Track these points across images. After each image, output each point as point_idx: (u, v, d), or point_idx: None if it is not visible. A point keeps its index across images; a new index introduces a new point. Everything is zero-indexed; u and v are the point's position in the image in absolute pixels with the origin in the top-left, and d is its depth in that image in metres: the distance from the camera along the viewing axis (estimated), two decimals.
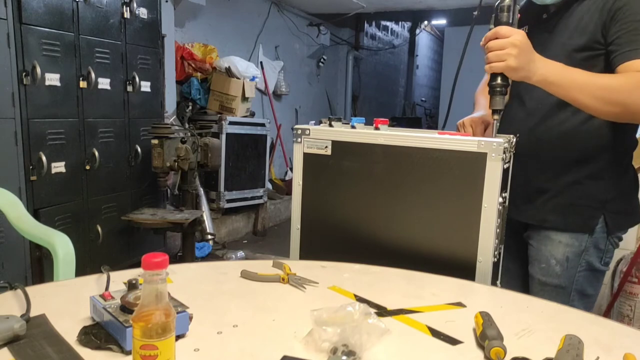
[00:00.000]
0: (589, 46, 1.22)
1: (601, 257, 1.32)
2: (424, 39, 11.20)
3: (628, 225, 1.35)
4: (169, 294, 0.67)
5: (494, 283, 1.23)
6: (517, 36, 1.10)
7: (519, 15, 1.18)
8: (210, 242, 3.79)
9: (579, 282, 1.33)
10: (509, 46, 1.09)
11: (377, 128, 1.36)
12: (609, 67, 1.18)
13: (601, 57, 1.21)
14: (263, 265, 1.19)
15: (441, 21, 9.92)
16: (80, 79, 2.59)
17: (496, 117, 1.20)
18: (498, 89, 1.16)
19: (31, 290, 0.95)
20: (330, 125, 1.40)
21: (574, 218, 1.30)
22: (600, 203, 1.28)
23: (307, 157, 1.37)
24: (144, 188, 3.13)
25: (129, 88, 2.93)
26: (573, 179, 1.29)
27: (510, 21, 1.13)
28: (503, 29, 1.11)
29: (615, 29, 1.16)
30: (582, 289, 1.33)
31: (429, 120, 10.99)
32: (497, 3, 1.15)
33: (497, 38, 1.11)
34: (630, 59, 1.13)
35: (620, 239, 1.35)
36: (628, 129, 1.28)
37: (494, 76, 1.15)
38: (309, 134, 1.36)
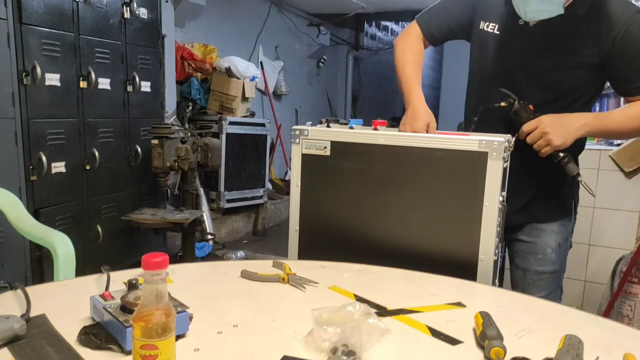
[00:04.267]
0: (581, 64, 1.32)
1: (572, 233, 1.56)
2: None
3: (578, 197, 1.55)
4: (169, 294, 0.67)
5: (494, 282, 1.23)
6: (542, 124, 1.28)
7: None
8: (210, 242, 3.79)
9: (565, 262, 1.53)
10: (543, 134, 1.28)
11: (375, 129, 1.36)
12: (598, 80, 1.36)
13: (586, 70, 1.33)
14: (263, 265, 1.19)
15: None
16: (81, 79, 2.59)
17: (580, 178, 1.35)
18: (566, 159, 1.32)
19: (31, 290, 0.95)
20: (328, 127, 1.40)
21: (560, 207, 1.49)
22: (571, 187, 1.49)
23: (306, 157, 1.37)
24: (144, 188, 3.13)
25: (129, 88, 2.93)
26: (553, 175, 1.41)
27: (527, 115, 1.32)
28: (527, 126, 1.30)
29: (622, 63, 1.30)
30: (565, 268, 1.54)
31: None
32: (511, 110, 1.33)
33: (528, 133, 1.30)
34: None
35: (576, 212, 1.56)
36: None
37: (555, 156, 1.32)
38: (307, 135, 1.36)
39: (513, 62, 1.37)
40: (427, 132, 1.35)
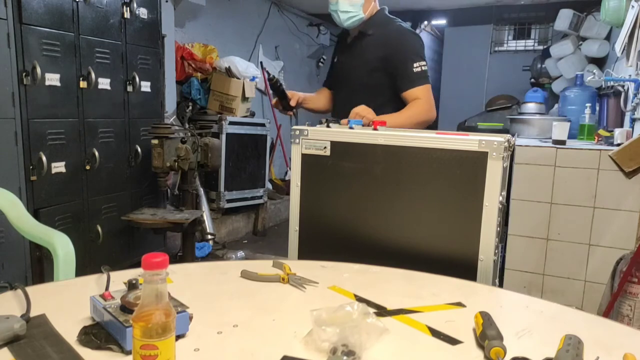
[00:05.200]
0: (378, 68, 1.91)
1: None
2: (423, 39, 11.20)
3: None
4: (169, 294, 0.67)
5: (494, 282, 1.23)
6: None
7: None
8: (210, 242, 3.79)
9: None
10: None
11: (375, 129, 1.36)
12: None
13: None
14: (263, 265, 1.19)
15: (441, 21, 9.91)
16: (81, 79, 2.59)
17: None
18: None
19: (31, 290, 0.95)
20: (328, 127, 1.40)
21: None
22: None
23: (306, 158, 1.37)
24: (144, 188, 3.13)
25: (129, 88, 2.93)
26: None
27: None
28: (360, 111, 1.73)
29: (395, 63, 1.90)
30: None
31: None
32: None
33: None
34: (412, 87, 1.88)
35: None
36: None
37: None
38: (307, 135, 1.36)
39: (340, 72, 2.07)
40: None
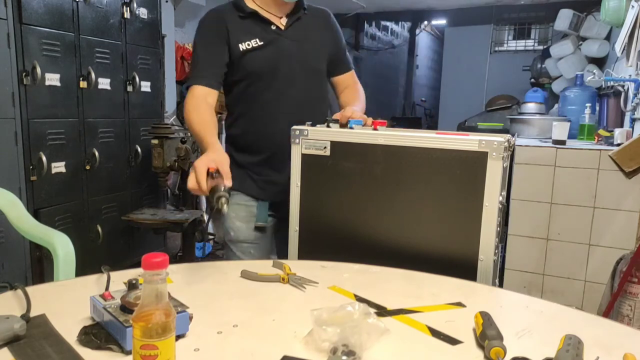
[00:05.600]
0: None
1: None
2: (423, 39, 11.18)
3: None
4: (169, 294, 0.67)
5: (494, 282, 1.23)
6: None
7: None
8: (210, 242, 3.79)
9: None
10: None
11: (375, 129, 1.36)
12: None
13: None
14: (263, 265, 1.19)
15: (441, 21, 9.92)
16: (81, 79, 2.59)
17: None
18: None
19: (31, 290, 0.95)
20: (328, 127, 1.40)
21: None
22: None
23: (306, 158, 1.37)
24: (144, 188, 3.13)
25: (129, 88, 2.93)
26: None
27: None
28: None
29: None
30: None
31: (429, 120, 10.99)
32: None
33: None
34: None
35: None
36: None
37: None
38: (307, 135, 1.36)
39: (284, 59, 1.61)
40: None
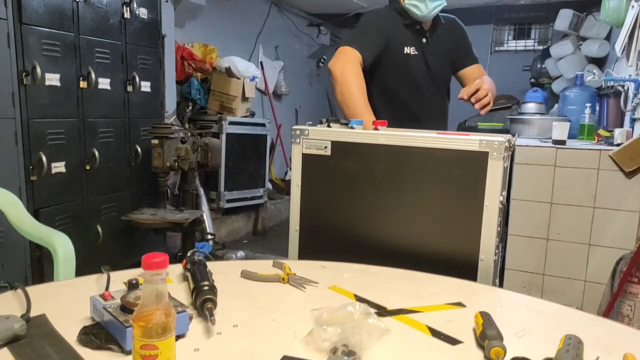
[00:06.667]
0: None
1: None
2: None
3: None
4: (169, 294, 0.67)
5: (494, 282, 1.23)
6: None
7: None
8: (210, 242, 3.79)
9: None
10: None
11: (376, 129, 1.36)
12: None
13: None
14: (263, 265, 1.19)
15: None
16: (80, 79, 2.59)
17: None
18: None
19: (31, 290, 0.95)
20: (329, 126, 1.40)
21: None
22: None
23: (306, 157, 1.37)
24: (144, 188, 3.13)
25: (129, 88, 2.93)
26: None
27: None
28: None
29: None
30: None
31: None
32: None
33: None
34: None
35: None
36: None
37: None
38: (307, 135, 1.36)
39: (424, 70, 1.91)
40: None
